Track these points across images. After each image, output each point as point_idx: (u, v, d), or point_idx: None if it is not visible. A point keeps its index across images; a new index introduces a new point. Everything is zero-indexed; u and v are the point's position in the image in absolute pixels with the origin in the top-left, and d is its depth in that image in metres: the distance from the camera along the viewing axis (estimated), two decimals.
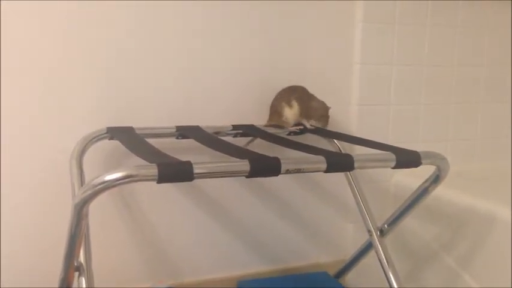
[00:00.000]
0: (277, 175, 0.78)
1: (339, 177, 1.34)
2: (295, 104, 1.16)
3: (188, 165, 0.72)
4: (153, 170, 0.69)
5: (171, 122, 1.19)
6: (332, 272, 1.39)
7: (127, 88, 1.18)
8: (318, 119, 1.15)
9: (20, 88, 1.09)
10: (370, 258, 1.24)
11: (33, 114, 1.11)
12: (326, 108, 1.18)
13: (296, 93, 1.18)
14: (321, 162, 0.82)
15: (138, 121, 1.18)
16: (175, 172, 0.71)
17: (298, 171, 0.80)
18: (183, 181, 0.72)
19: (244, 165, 0.76)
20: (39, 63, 1.10)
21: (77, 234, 0.74)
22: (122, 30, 1.15)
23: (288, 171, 0.79)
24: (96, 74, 1.15)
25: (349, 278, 1.39)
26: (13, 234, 1.13)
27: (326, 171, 0.83)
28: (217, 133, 1.17)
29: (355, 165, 0.85)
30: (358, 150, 1.30)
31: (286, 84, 1.31)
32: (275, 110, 1.20)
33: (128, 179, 0.69)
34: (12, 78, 1.08)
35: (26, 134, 1.11)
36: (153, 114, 1.20)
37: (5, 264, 1.13)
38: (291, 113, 1.18)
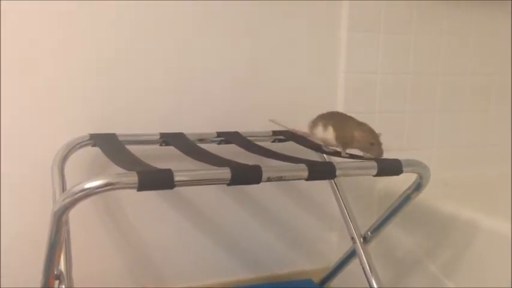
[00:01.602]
0: (258, 183, 0.78)
1: (323, 184, 1.34)
2: (330, 129, 1.07)
3: (169, 173, 0.72)
4: (134, 177, 0.69)
5: (158, 128, 1.19)
6: (316, 279, 1.39)
7: (114, 94, 1.17)
8: (366, 149, 1.01)
9: (8, 92, 1.09)
10: (354, 266, 1.24)
11: (20, 119, 1.11)
12: (374, 136, 1.02)
13: (333, 119, 1.09)
14: (303, 170, 0.82)
15: (126, 127, 1.17)
16: (155, 180, 0.71)
17: (280, 179, 0.80)
18: (163, 189, 0.73)
19: (225, 173, 0.76)
20: (26, 69, 1.09)
21: (57, 242, 0.74)
22: (109, 37, 1.15)
23: (269, 179, 0.79)
24: (83, 80, 1.14)
25: (334, 285, 1.39)
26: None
27: (308, 179, 0.83)
28: (201, 140, 1.17)
29: (337, 173, 0.85)
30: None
31: (271, 92, 1.32)
32: (311, 127, 1.14)
33: (108, 186, 0.69)
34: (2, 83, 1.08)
35: (12, 138, 1.10)
36: (140, 121, 1.20)
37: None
38: (323, 135, 1.09)
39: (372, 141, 0.99)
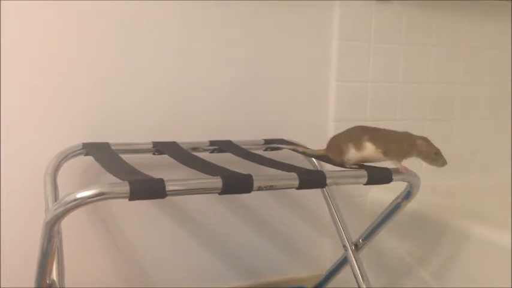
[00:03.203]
0: (249, 192, 0.79)
1: (316, 192, 1.35)
2: (368, 145, 0.96)
3: (160, 182, 0.73)
4: (125, 187, 0.70)
5: (151, 137, 1.20)
6: (309, 286, 1.40)
7: (107, 103, 1.18)
8: (430, 159, 0.95)
9: (3, 101, 1.10)
10: (346, 273, 1.25)
11: (10, 128, 1.11)
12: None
13: (369, 134, 0.98)
14: (293, 179, 0.83)
15: (118, 137, 1.18)
16: (147, 189, 0.72)
17: (271, 188, 0.81)
18: (155, 198, 0.73)
19: (217, 182, 0.77)
20: (18, 76, 1.10)
21: (49, 252, 0.75)
22: (101, 46, 1.16)
23: (260, 188, 0.80)
24: (76, 90, 1.15)
25: None
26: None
27: (298, 188, 0.84)
28: (194, 149, 1.17)
29: (327, 181, 0.86)
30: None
31: (264, 101, 1.33)
32: (337, 146, 1.01)
33: (100, 196, 0.69)
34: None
35: (8, 146, 1.11)
36: (133, 130, 1.21)
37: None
38: (357, 155, 0.97)
39: (436, 150, 0.95)
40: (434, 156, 0.95)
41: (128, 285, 1.26)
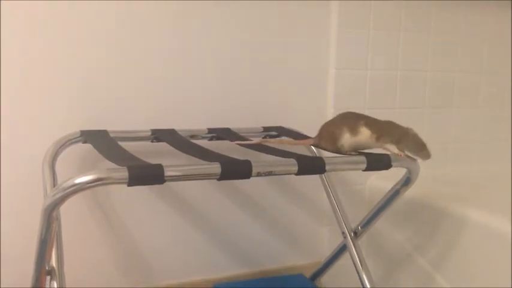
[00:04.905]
0: (248, 178, 0.79)
1: (315, 180, 1.35)
2: (364, 130, 0.96)
3: (159, 168, 0.73)
4: (124, 173, 0.70)
5: (149, 125, 1.19)
6: (308, 274, 1.40)
7: (106, 91, 1.17)
8: (418, 149, 0.96)
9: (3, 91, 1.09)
10: (345, 260, 1.25)
11: (9, 116, 1.10)
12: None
13: (365, 119, 0.98)
14: (292, 164, 0.83)
15: (117, 125, 1.18)
16: (146, 175, 0.72)
17: (269, 173, 0.81)
18: (153, 184, 0.73)
19: (215, 168, 0.77)
20: (17, 65, 1.09)
21: (48, 238, 0.74)
22: (98, 33, 1.15)
23: (259, 174, 0.80)
24: (72, 77, 1.14)
25: (325, 280, 1.40)
26: None
27: (297, 174, 0.84)
28: (192, 136, 1.17)
29: (327, 167, 0.86)
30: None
31: (263, 89, 1.32)
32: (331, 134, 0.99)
33: (99, 182, 0.69)
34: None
35: (6, 136, 1.10)
36: (131, 118, 1.20)
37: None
38: (351, 140, 0.97)
39: (423, 142, 0.96)
40: (421, 147, 0.96)
41: (125, 272, 1.26)
